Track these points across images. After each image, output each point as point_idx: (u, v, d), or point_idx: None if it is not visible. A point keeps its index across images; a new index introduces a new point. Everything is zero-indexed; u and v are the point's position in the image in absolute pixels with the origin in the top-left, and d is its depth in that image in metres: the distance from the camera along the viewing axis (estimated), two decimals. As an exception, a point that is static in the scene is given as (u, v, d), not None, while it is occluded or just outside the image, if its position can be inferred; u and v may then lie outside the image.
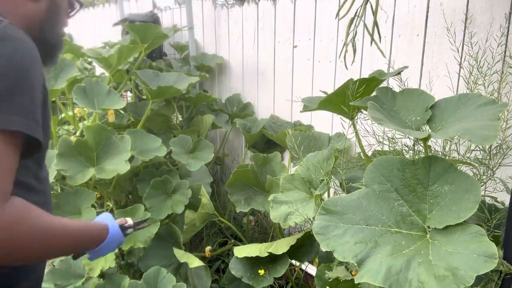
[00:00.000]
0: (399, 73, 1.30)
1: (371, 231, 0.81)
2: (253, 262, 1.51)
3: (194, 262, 1.63)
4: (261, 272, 1.42)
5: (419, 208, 0.84)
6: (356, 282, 0.72)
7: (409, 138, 1.27)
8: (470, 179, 0.82)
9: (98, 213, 1.89)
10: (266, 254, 1.43)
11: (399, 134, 1.31)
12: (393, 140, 1.34)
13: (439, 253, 0.74)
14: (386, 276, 0.70)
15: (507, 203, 1.18)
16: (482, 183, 1.17)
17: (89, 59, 3.11)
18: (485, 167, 1.19)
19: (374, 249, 0.76)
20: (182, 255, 1.69)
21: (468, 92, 1.28)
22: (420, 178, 0.85)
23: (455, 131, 0.89)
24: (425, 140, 1.01)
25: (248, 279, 1.46)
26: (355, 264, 0.76)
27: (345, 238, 0.79)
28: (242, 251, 1.50)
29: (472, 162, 1.18)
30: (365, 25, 1.32)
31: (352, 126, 1.30)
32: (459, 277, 0.66)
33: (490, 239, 0.76)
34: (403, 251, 0.76)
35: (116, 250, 1.88)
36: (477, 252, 0.71)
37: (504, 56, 1.35)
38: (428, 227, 0.81)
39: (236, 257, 1.52)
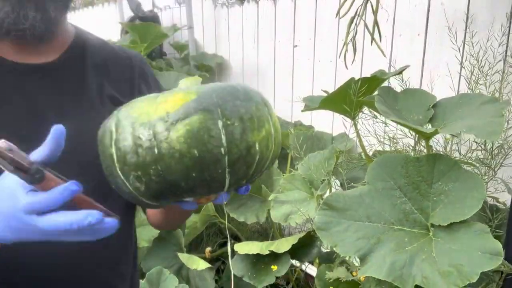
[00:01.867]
0: (400, 73, 1.30)
1: (373, 228, 0.80)
2: (254, 262, 1.51)
3: (200, 264, 1.63)
4: (274, 268, 1.41)
5: (422, 205, 0.83)
6: (359, 275, 0.72)
7: (411, 138, 1.26)
8: (474, 176, 0.82)
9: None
10: (267, 252, 1.43)
11: (401, 134, 1.30)
12: (394, 140, 1.34)
13: (442, 250, 0.73)
14: (390, 270, 0.70)
15: (508, 203, 1.18)
16: (484, 183, 1.17)
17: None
18: (486, 167, 1.19)
19: (377, 245, 0.76)
20: (188, 260, 1.68)
21: (469, 91, 1.28)
22: (424, 176, 0.85)
23: (460, 127, 0.89)
24: (429, 138, 1.01)
25: (249, 278, 1.46)
26: (358, 260, 0.75)
27: (347, 233, 0.79)
28: (243, 247, 1.50)
29: (473, 162, 1.18)
30: (365, 25, 1.32)
31: (353, 125, 1.29)
32: (464, 273, 0.66)
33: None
34: (406, 248, 0.75)
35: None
36: (481, 249, 0.71)
37: (505, 56, 1.34)
38: (432, 224, 0.81)
39: (237, 256, 1.51)
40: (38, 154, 0.52)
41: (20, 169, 0.48)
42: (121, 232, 0.64)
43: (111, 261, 0.85)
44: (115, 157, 0.49)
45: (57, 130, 0.51)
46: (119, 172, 0.50)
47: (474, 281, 0.63)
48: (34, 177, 0.49)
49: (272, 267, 1.43)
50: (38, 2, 0.68)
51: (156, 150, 0.47)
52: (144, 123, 0.48)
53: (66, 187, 0.48)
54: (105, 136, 0.51)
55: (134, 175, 0.49)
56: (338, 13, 1.34)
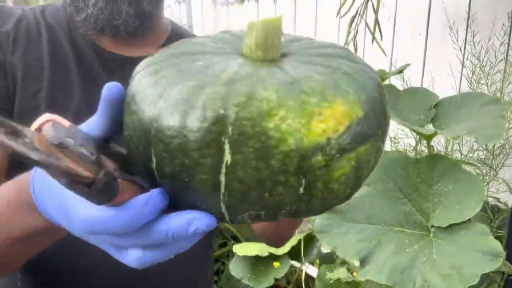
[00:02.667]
0: (401, 72, 1.29)
1: (374, 230, 0.80)
2: (254, 263, 1.50)
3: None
4: (277, 264, 1.41)
5: (423, 207, 0.83)
6: (359, 279, 0.71)
7: (412, 138, 1.26)
8: (474, 177, 0.81)
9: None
10: (267, 254, 1.42)
11: (402, 134, 1.30)
12: (395, 140, 1.33)
13: (443, 252, 0.73)
14: (391, 274, 0.69)
15: (510, 203, 1.17)
16: (485, 184, 1.16)
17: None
18: (488, 168, 1.18)
19: (377, 247, 0.76)
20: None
21: (471, 91, 1.27)
22: (424, 177, 0.85)
23: (460, 129, 0.88)
24: (429, 138, 1.00)
25: (248, 279, 1.45)
26: (358, 263, 0.75)
27: (347, 236, 0.78)
28: (243, 249, 1.50)
29: (475, 163, 1.17)
30: (366, 24, 1.31)
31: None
32: (465, 275, 0.66)
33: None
34: (407, 250, 0.75)
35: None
36: (482, 250, 0.70)
37: (507, 55, 1.34)
38: (432, 226, 0.80)
39: (236, 257, 1.51)
40: (87, 129, 0.35)
41: (76, 181, 0.28)
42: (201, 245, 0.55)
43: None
44: (223, 184, 0.30)
45: (109, 91, 0.35)
46: (222, 206, 0.31)
47: (474, 283, 0.63)
48: (101, 195, 0.29)
49: (275, 264, 1.43)
50: None
51: (301, 190, 0.30)
52: (292, 151, 0.29)
53: (150, 201, 0.31)
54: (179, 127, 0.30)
55: (249, 214, 0.32)
56: (338, 12, 1.34)
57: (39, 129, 0.30)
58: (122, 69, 0.72)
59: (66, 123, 0.32)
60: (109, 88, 0.35)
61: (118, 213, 0.31)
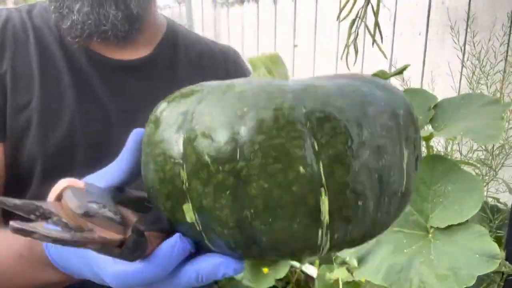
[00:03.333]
0: (401, 72, 1.29)
1: (372, 230, 0.80)
2: (253, 264, 1.50)
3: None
4: (266, 270, 1.41)
5: (422, 207, 0.83)
6: (356, 278, 0.71)
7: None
8: (473, 178, 0.81)
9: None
10: (266, 255, 1.43)
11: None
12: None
13: (440, 253, 0.73)
14: (387, 274, 0.69)
15: (509, 204, 1.17)
16: (485, 184, 1.16)
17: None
18: (487, 168, 1.18)
19: (375, 247, 0.76)
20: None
21: (470, 91, 1.27)
22: (423, 177, 0.85)
23: (458, 130, 0.88)
24: (428, 139, 1.00)
25: (248, 281, 1.45)
26: (356, 262, 0.75)
27: (346, 236, 0.79)
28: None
29: (474, 163, 1.17)
30: (366, 27, 1.31)
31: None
32: (461, 276, 0.66)
33: (492, 240, 0.75)
34: (404, 250, 0.75)
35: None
36: (479, 252, 0.71)
37: (507, 56, 1.34)
38: (431, 226, 0.81)
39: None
40: (106, 177, 0.35)
41: (108, 247, 0.28)
42: None
43: None
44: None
45: (137, 137, 0.34)
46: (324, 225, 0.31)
47: (470, 285, 0.63)
48: (133, 253, 0.29)
49: (264, 270, 1.42)
50: None
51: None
52: None
53: (175, 248, 0.31)
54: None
55: (350, 237, 0.32)
56: (338, 16, 1.34)
57: (58, 198, 0.29)
58: (116, 74, 0.69)
59: (81, 184, 0.31)
60: (137, 135, 0.34)
61: (147, 264, 0.31)
